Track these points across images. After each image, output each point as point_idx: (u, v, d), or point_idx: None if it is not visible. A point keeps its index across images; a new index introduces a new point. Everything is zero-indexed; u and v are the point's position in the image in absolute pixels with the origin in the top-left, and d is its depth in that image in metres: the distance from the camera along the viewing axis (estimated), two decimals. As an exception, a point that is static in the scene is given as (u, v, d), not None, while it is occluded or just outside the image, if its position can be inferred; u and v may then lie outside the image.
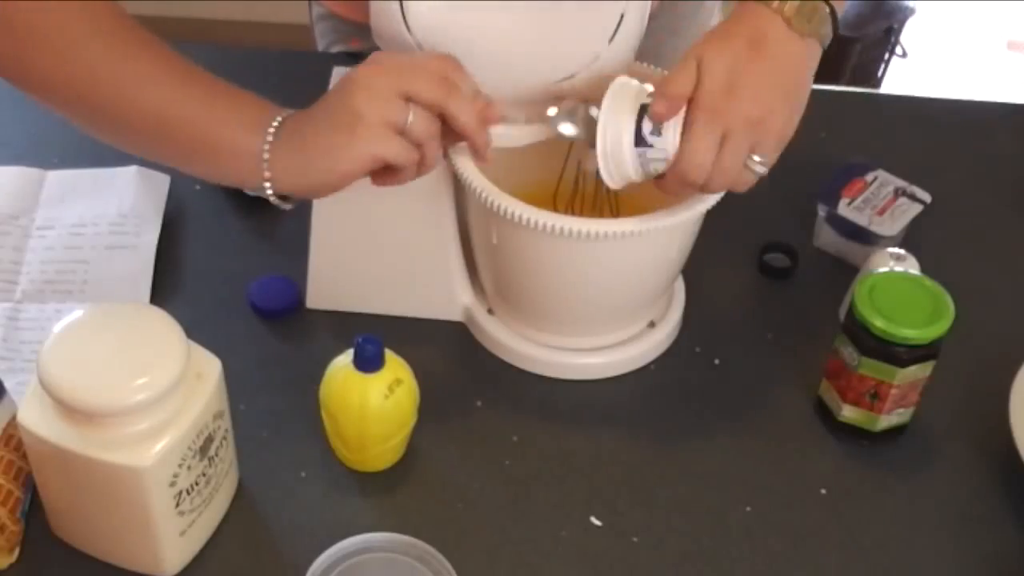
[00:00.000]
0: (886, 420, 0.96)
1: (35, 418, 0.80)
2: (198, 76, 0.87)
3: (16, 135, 1.20)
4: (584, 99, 0.91)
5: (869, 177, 1.14)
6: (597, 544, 0.90)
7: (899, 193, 1.12)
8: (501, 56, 0.90)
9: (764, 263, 1.12)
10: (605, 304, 1.01)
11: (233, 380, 0.86)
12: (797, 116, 0.88)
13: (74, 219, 1.10)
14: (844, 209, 1.10)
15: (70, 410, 0.78)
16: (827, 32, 0.89)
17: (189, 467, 0.82)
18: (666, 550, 0.90)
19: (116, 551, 0.86)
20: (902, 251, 1.02)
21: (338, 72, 0.97)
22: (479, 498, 0.93)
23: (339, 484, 0.93)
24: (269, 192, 0.87)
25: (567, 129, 0.91)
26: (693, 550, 0.90)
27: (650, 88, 0.88)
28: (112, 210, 1.11)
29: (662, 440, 0.98)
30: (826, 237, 1.13)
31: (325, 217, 1.01)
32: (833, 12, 0.89)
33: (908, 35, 2.59)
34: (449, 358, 1.04)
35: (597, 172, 0.92)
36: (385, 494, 0.93)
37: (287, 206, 0.89)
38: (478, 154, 0.89)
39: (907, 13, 2.55)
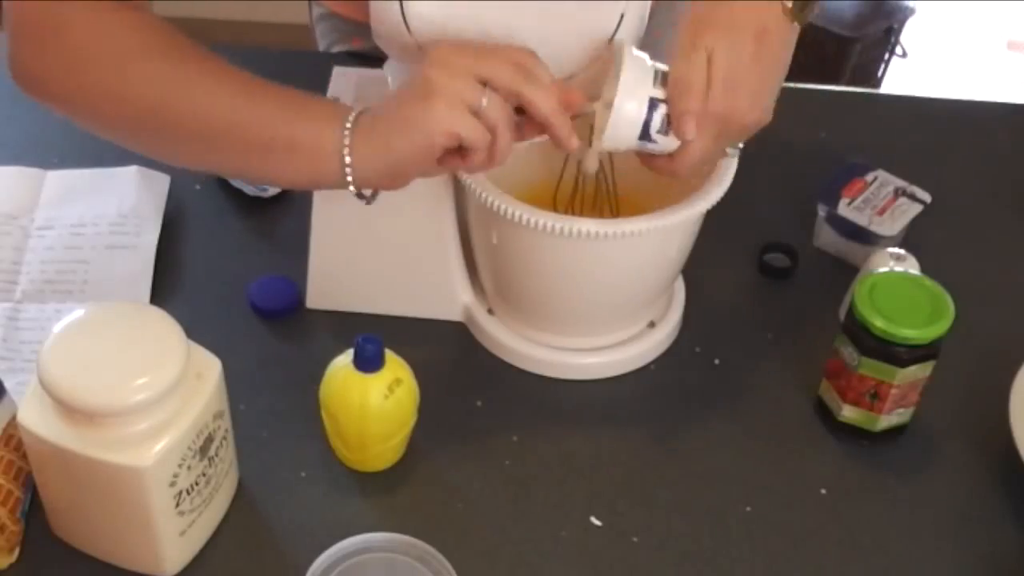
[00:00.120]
0: (886, 420, 0.96)
1: (35, 418, 0.80)
2: (261, 82, 0.87)
3: (16, 135, 1.20)
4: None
5: (869, 177, 1.14)
6: (597, 544, 0.90)
7: (899, 193, 1.12)
8: (501, 56, 0.90)
9: (764, 263, 1.12)
10: (605, 304, 1.01)
11: (233, 380, 0.86)
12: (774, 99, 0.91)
13: (74, 219, 1.10)
14: (844, 209, 1.10)
15: (70, 410, 0.78)
16: (809, 18, 0.91)
17: (189, 467, 0.82)
18: (666, 550, 0.90)
19: (116, 551, 0.86)
20: (902, 251, 1.02)
21: (338, 72, 0.97)
22: (479, 498, 0.93)
23: (339, 484, 0.93)
24: (351, 186, 0.86)
25: (592, 165, 0.92)
26: (693, 550, 0.90)
27: (661, 66, 0.88)
28: (112, 210, 1.11)
29: (662, 440, 0.98)
30: (826, 237, 1.13)
31: (325, 217, 1.01)
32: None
33: (908, 35, 2.59)
34: (449, 358, 1.04)
35: (597, 172, 0.92)
36: (385, 494, 0.93)
37: (369, 200, 0.89)
38: (562, 142, 0.86)
39: (907, 13, 2.55)
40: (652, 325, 1.05)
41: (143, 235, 1.08)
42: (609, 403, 1.01)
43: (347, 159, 0.84)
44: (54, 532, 0.88)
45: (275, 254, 1.10)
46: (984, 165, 1.26)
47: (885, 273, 0.96)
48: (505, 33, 0.89)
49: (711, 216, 0.96)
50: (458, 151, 0.85)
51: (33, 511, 0.88)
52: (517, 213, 0.90)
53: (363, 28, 0.94)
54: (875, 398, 0.95)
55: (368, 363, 0.88)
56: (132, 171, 1.14)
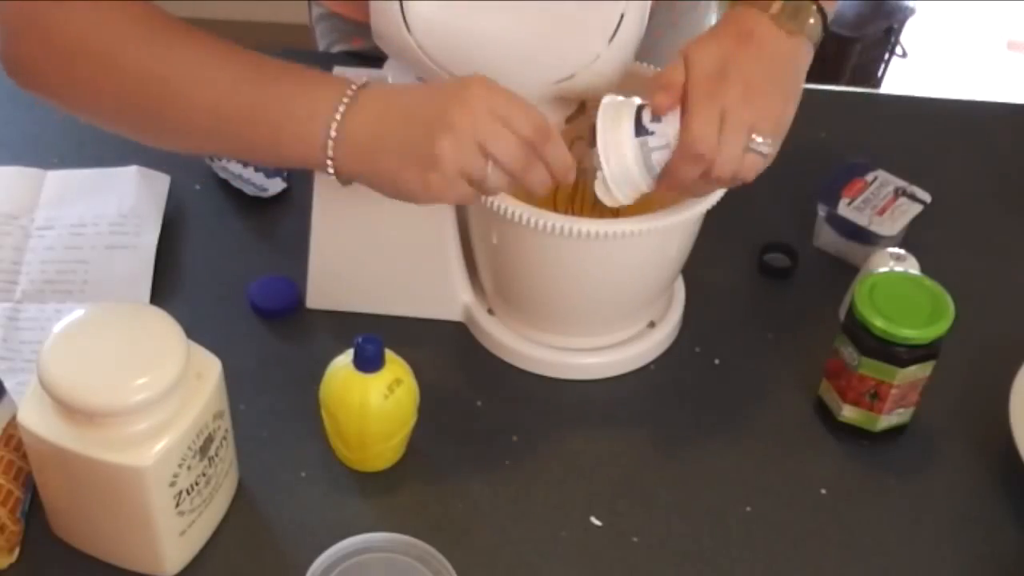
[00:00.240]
0: (886, 420, 0.96)
1: (35, 418, 0.80)
2: (256, 59, 0.86)
3: (16, 135, 1.20)
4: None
5: (869, 177, 1.14)
6: (597, 544, 0.90)
7: (899, 193, 1.12)
8: (501, 56, 0.90)
9: (764, 263, 1.12)
10: (605, 304, 1.01)
11: (233, 380, 0.86)
12: (791, 105, 0.89)
13: (74, 219, 1.10)
14: (844, 209, 1.10)
15: (70, 410, 0.78)
16: (816, 31, 0.90)
17: (189, 467, 0.82)
18: (666, 550, 0.90)
19: (116, 551, 0.86)
20: (902, 251, 1.02)
21: (338, 72, 0.96)
22: (479, 498, 0.93)
23: (339, 484, 0.93)
24: (331, 172, 0.86)
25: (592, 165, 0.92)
26: (693, 550, 0.90)
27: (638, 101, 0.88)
28: (112, 210, 1.11)
29: (662, 440, 0.98)
30: (826, 237, 1.13)
31: (325, 217, 1.01)
32: (822, 11, 0.89)
33: (908, 35, 2.59)
34: (449, 358, 1.04)
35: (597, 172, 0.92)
36: (385, 494, 0.93)
37: (347, 184, 0.89)
38: (533, 199, 0.90)
39: (907, 13, 2.55)
40: (652, 325, 1.05)
41: (143, 235, 1.08)
42: (609, 403, 1.01)
43: (329, 158, 0.84)
44: (54, 532, 0.88)
45: (275, 254, 1.10)
46: (984, 165, 1.26)
47: (885, 273, 0.96)
48: (505, 33, 0.89)
49: (711, 216, 0.96)
50: None
51: (33, 511, 0.88)
52: (517, 213, 0.90)
53: (363, 28, 0.94)
54: (875, 398, 0.95)
55: (368, 363, 0.88)
56: (132, 171, 1.14)
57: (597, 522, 0.92)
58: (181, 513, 0.83)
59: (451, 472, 0.95)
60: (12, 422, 0.84)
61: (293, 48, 1.33)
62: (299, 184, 1.14)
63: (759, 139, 0.86)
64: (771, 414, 1.01)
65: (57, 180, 1.14)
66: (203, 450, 0.83)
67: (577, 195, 0.99)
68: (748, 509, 0.93)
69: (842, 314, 1.05)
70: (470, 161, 0.83)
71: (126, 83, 0.86)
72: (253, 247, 1.12)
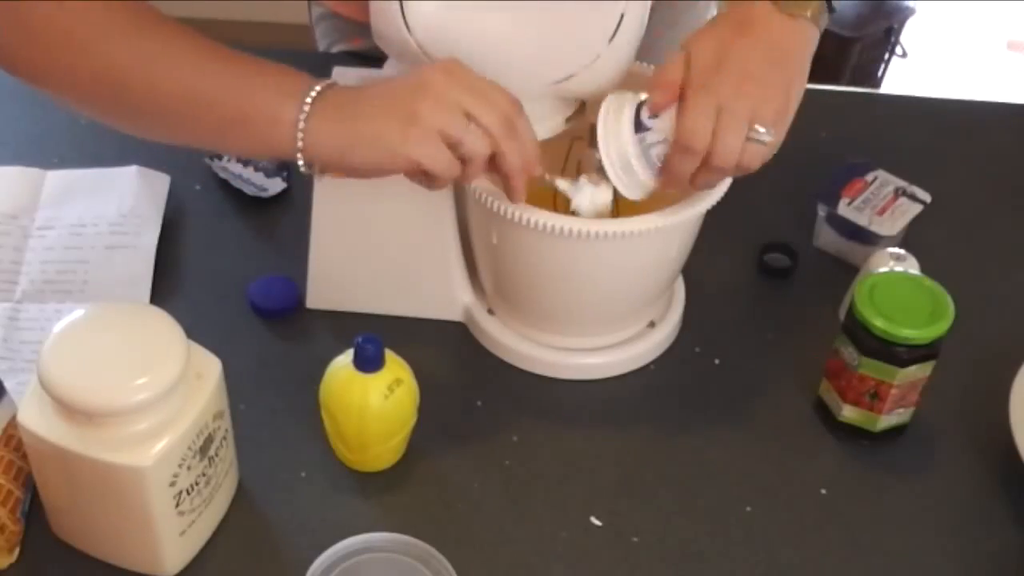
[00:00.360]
0: (886, 420, 0.96)
1: (35, 418, 0.80)
2: (226, 51, 0.86)
3: (16, 135, 1.20)
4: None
5: (869, 177, 1.14)
6: (597, 544, 0.90)
7: (899, 193, 1.12)
8: (501, 56, 0.90)
9: (764, 263, 1.12)
10: (605, 304, 1.01)
11: (233, 380, 0.86)
12: (795, 90, 0.88)
13: (74, 219, 1.10)
14: (844, 209, 1.10)
15: (70, 410, 0.78)
16: (820, 13, 0.89)
17: (189, 467, 0.82)
18: (666, 550, 0.90)
19: (116, 551, 0.86)
20: (902, 251, 1.02)
21: (338, 72, 0.96)
22: (479, 498, 0.93)
23: (339, 484, 0.93)
24: (300, 162, 0.86)
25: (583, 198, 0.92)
26: (693, 550, 0.90)
27: (643, 96, 0.88)
28: (112, 210, 1.11)
29: (662, 440, 0.98)
30: (826, 237, 1.13)
31: (325, 217, 1.01)
32: None
33: (908, 35, 2.60)
34: (449, 358, 1.04)
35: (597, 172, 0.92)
36: (385, 494, 0.93)
37: (311, 172, 0.88)
38: (512, 197, 0.89)
39: (907, 13, 2.55)
40: (652, 325, 1.05)
41: (143, 235, 1.08)
42: (609, 403, 1.01)
43: (300, 141, 0.84)
44: (54, 532, 0.88)
45: (275, 254, 1.10)
46: (984, 165, 1.26)
47: (885, 273, 0.96)
48: (505, 33, 0.89)
49: (711, 216, 0.96)
50: (423, 172, 0.86)
51: (33, 511, 0.88)
52: (517, 213, 0.90)
53: (363, 28, 0.94)
54: (875, 398, 0.95)
55: (368, 363, 0.88)
56: (132, 171, 1.14)
57: (597, 522, 0.92)
58: (181, 513, 0.83)
59: (451, 472, 0.95)
60: (12, 422, 0.84)
61: (293, 48, 1.33)
62: (299, 184, 1.14)
63: (760, 129, 0.86)
64: (771, 414, 1.01)
65: (57, 180, 1.14)
66: (203, 450, 0.83)
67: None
68: (748, 509, 0.93)
69: (842, 314, 1.05)
70: (450, 120, 0.83)
71: (103, 69, 0.85)
72: (253, 247, 1.12)
